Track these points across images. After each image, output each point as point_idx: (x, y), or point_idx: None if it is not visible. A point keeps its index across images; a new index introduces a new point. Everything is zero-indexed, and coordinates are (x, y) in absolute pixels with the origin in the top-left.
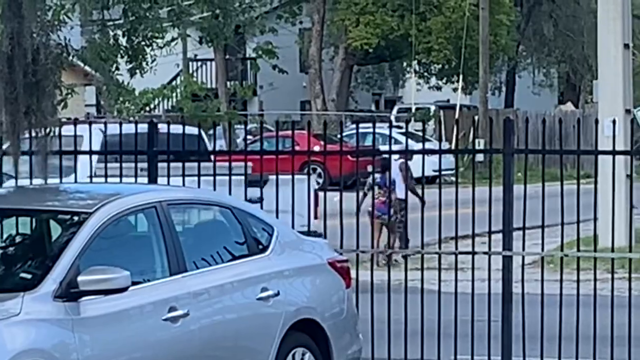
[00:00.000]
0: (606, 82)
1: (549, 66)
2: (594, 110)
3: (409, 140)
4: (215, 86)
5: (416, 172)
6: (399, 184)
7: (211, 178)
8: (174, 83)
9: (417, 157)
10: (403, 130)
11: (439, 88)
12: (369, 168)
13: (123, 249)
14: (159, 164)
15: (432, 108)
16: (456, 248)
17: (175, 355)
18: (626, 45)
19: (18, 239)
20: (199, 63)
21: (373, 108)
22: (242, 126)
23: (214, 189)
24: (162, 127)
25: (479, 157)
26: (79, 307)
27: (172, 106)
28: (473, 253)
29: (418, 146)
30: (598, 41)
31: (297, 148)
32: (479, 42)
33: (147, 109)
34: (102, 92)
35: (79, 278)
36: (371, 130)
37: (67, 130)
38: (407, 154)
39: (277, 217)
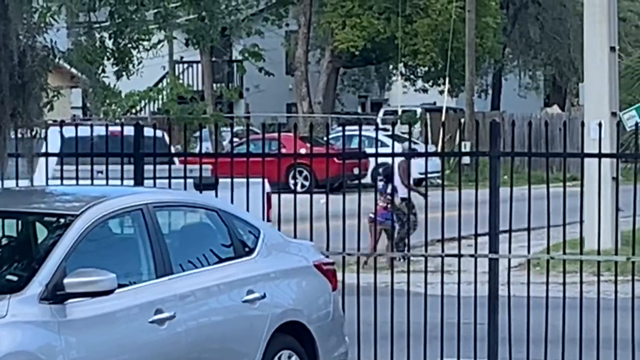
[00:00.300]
0: (592, 84)
1: (535, 69)
2: (580, 113)
3: (395, 143)
4: (202, 88)
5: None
6: (399, 184)
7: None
8: (160, 85)
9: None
10: (389, 133)
11: (425, 91)
12: (355, 170)
13: (109, 252)
14: (114, 167)
15: (419, 111)
16: (442, 250)
17: (162, 358)
18: (612, 48)
19: (4, 242)
20: (185, 65)
21: (359, 110)
22: (229, 129)
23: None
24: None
25: (466, 159)
26: (65, 310)
27: (158, 108)
28: (459, 256)
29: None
30: (584, 44)
31: (283, 150)
32: (465, 44)
33: (134, 111)
34: (89, 94)
35: (65, 280)
36: (357, 132)
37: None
38: (393, 157)
39: None
